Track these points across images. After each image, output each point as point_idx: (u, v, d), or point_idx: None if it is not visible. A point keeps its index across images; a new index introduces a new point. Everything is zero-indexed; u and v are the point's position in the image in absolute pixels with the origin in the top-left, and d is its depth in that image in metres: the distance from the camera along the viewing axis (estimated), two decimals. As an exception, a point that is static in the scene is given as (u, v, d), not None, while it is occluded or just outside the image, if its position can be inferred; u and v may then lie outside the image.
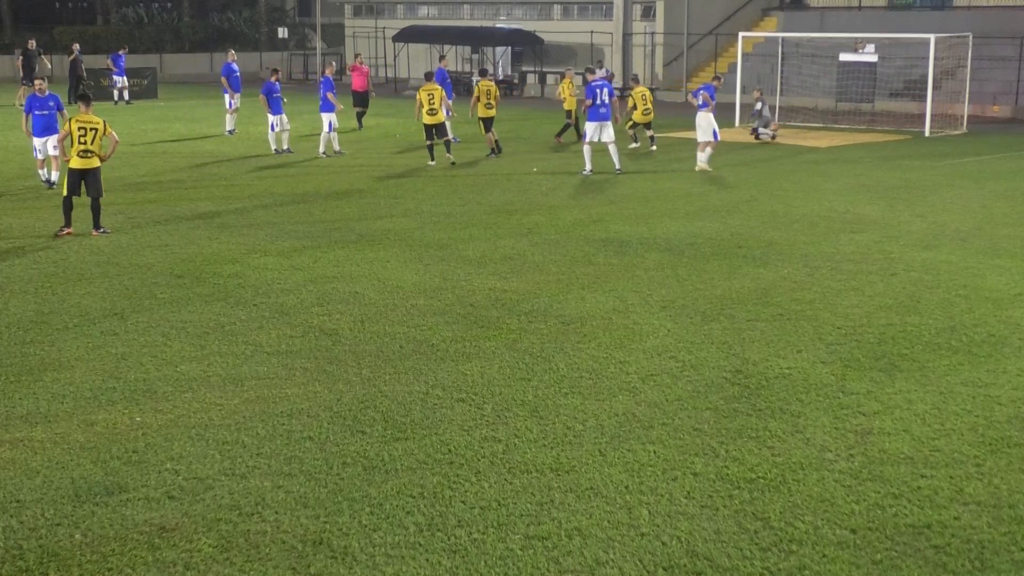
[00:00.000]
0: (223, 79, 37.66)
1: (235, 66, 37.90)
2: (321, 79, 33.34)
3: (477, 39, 60.41)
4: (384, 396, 11.15)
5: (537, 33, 58.89)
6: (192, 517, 8.44)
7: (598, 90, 27.42)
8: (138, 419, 10.48)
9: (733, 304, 14.77)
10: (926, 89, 39.02)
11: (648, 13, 56.43)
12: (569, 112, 35.09)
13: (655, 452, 9.73)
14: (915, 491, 8.95)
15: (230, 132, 36.55)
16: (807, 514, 8.52)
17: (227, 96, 37.26)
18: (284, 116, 31.84)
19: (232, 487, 8.99)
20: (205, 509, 8.58)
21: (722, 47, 53.27)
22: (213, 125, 38.90)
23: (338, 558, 7.82)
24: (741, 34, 44.76)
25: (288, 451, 9.73)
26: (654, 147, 32.99)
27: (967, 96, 40.49)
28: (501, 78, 58.83)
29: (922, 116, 38.86)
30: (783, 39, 46.01)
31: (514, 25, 60.35)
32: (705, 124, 28.17)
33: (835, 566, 7.72)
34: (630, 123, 33.19)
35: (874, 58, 43.37)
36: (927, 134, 37.84)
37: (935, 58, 38.89)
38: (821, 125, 40.91)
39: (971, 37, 41.09)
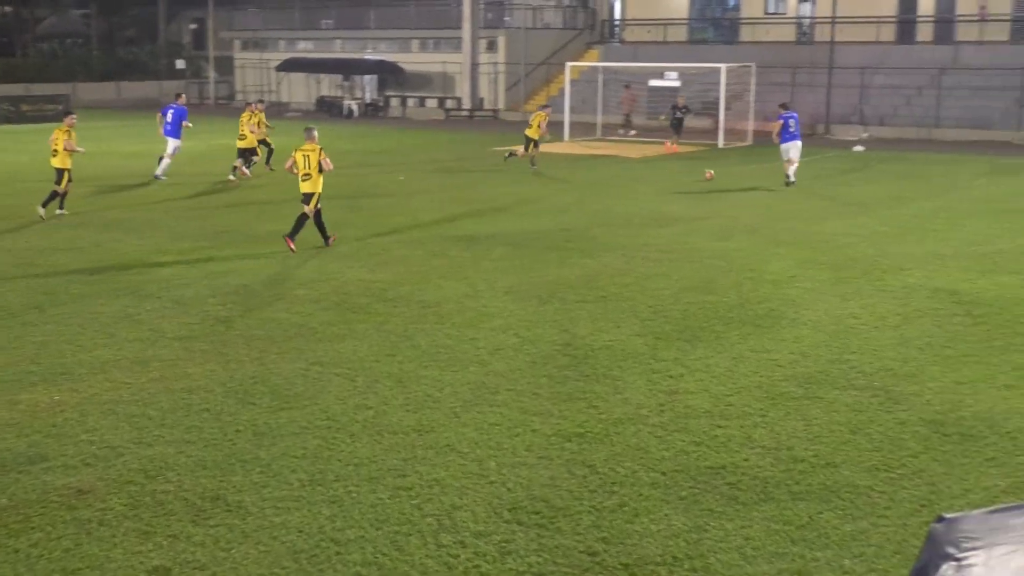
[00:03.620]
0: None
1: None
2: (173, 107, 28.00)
3: (348, 69, 59.90)
4: (271, 372, 10.99)
5: (399, 63, 58.59)
6: (106, 480, 8.21)
7: None
8: (57, 398, 10.15)
9: (564, 289, 14.87)
10: (719, 109, 39.84)
11: (492, 47, 56.55)
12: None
13: (501, 413, 9.75)
14: (713, 439, 9.12)
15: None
16: (626, 461, 8.63)
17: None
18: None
19: (140, 454, 8.77)
20: (117, 473, 8.35)
21: (553, 75, 53.61)
22: (113, 146, 37.85)
23: (233, 511, 7.68)
24: (568, 64, 45.14)
25: (188, 422, 9.53)
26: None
27: (752, 115, 41.40)
28: (369, 102, 58.47)
29: (716, 131, 39.65)
30: (603, 68, 46.49)
31: (379, 57, 59.94)
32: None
33: (649, 503, 7.83)
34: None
35: (677, 83, 44.11)
36: (720, 146, 38.63)
37: (726, 83, 39.74)
38: (633, 139, 41.47)
39: (754, 67, 42.07)
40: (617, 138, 41.71)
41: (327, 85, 61.76)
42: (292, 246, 17.44)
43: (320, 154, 17.76)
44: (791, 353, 11.70)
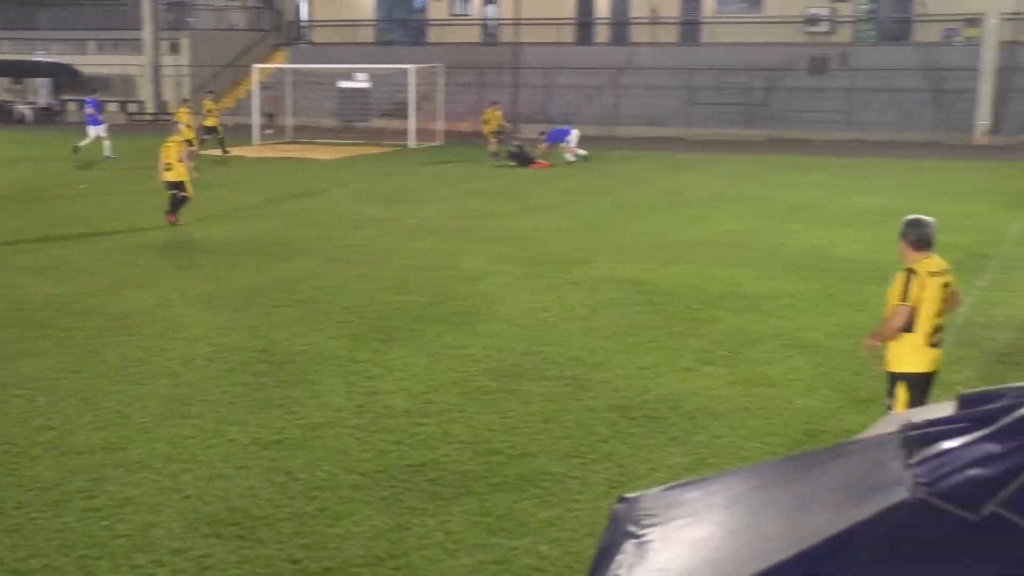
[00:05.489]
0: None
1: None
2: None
3: (18, 71, 56.54)
4: (-59, 397, 10.24)
5: (75, 66, 55.78)
6: None
7: None
8: None
9: (260, 294, 14.61)
10: (409, 109, 40.24)
11: (175, 48, 54.73)
12: None
13: (195, 425, 9.48)
14: (413, 437, 9.21)
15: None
16: (326, 464, 8.58)
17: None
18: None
19: None
20: None
21: (241, 77, 52.50)
22: None
23: (-99, 550, 7.11)
24: (255, 66, 44.37)
25: None
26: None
27: (442, 115, 42.05)
28: (43, 106, 55.41)
29: (407, 131, 40.01)
30: (292, 70, 45.99)
31: (52, 59, 56.85)
32: None
33: (351, 505, 7.82)
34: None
35: (367, 84, 44.24)
36: (412, 146, 39.00)
37: (415, 84, 40.19)
38: (325, 141, 41.26)
39: (442, 67, 42.74)
40: (306, 140, 41.35)
41: (-2, 89, 58.12)
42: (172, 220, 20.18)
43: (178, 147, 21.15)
44: (486, 348, 11.97)
